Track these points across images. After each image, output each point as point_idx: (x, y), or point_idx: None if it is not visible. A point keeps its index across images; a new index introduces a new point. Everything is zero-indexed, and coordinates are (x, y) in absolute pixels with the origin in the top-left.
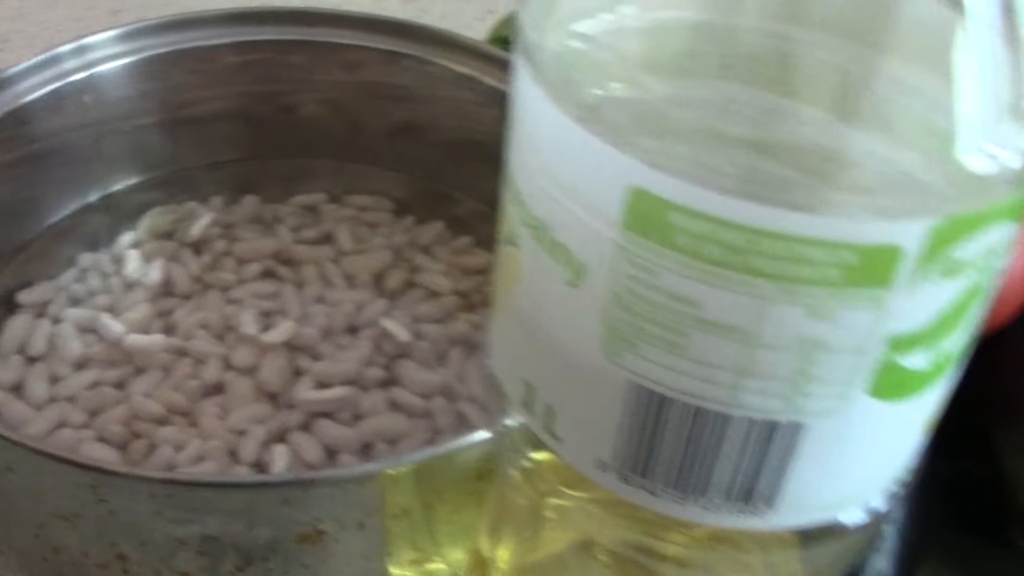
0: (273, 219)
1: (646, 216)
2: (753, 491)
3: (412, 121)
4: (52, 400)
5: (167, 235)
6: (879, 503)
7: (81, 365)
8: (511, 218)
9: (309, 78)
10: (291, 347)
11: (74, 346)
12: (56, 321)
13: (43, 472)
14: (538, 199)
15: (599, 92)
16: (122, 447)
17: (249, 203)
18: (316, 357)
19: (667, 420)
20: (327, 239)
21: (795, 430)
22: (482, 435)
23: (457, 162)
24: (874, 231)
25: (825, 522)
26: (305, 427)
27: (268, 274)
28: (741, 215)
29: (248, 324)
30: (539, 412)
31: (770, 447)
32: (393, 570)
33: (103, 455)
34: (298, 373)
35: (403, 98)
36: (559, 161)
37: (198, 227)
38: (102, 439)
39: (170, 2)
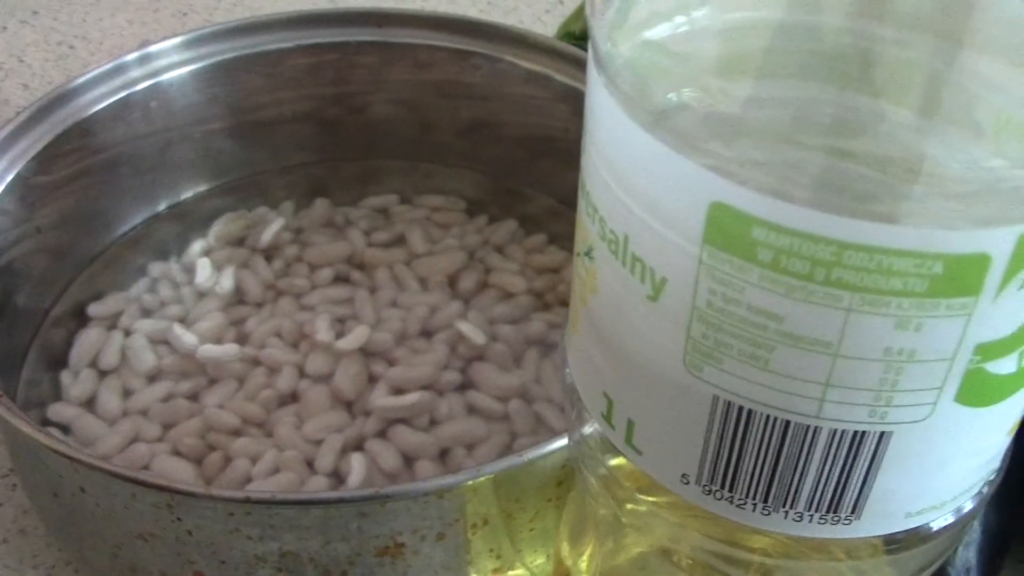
0: (345, 222)
1: (727, 230)
2: (840, 501)
3: (483, 119)
4: (125, 414)
5: (238, 242)
6: (967, 505)
7: (154, 377)
8: (587, 231)
9: (378, 79)
10: (365, 353)
11: (146, 358)
12: (128, 333)
13: (117, 492)
14: (615, 213)
15: (672, 98)
16: (197, 460)
17: (320, 207)
18: (391, 362)
19: (751, 433)
20: (399, 241)
21: (881, 440)
22: (560, 442)
23: (528, 159)
24: (962, 240)
25: (913, 528)
26: (382, 434)
27: (341, 279)
28: (825, 228)
29: (322, 331)
30: (619, 425)
31: (856, 457)
32: None
33: (178, 469)
34: (373, 379)
35: (473, 96)
36: (636, 175)
37: (269, 233)
38: (177, 453)
39: (238, 2)
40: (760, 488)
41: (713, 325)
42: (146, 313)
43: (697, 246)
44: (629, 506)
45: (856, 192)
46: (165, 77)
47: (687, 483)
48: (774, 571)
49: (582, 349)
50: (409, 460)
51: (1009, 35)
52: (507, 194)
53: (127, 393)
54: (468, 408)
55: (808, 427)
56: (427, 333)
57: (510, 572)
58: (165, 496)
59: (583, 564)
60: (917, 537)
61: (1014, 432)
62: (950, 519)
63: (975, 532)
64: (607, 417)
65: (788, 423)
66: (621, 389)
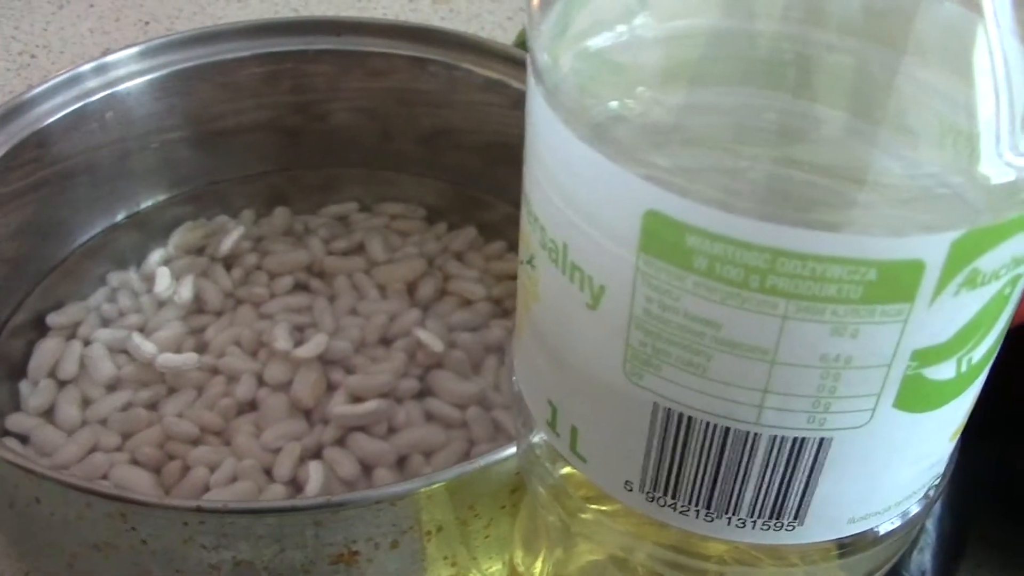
0: (304, 231)
1: (662, 238)
2: (782, 507)
3: (441, 127)
4: (84, 424)
5: (198, 251)
6: (913, 509)
7: (113, 387)
8: (528, 239)
9: (336, 87)
10: (324, 361)
11: (105, 367)
12: (87, 342)
13: (71, 503)
14: (555, 222)
15: (612, 109)
16: (156, 470)
17: (280, 215)
18: (350, 370)
19: (692, 440)
20: (359, 249)
21: (821, 446)
22: (513, 449)
23: (487, 166)
24: (897, 247)
25: (859, 532)
26: (340, 442)
27: (300, 287)
28: (760, 236)
29: (281, 339)
30: (563, 432)
31: (797, 464)
32: None
33: (136, 478)
34: (332, 387)
35: (432, 104)
36: (574, 184)
37: (228, 242)
38: (135, 462)
39: (199, 11)
40: (702, 495)
41: (651, 333)
42: (105, 322)
43: (633, 254)
44: (578, 515)
45: (793, 199)
46: (122, 87)
47: (631, 490)
48: None
49: (526, 356)
50: (367, 468)
51: (944, 40)
52: (466, 201)
53: (86, 403)
54: (426, 416)
55: (748, 434)
56: (386, 341)
57: None
58: (119, 506)
59: (536, 571)
60: (864, 541)
61: (957, 437)
62: (896, 523)
63: (930, 536)
64: (552, 424)
65: (728, 430)
66: (564, 396)
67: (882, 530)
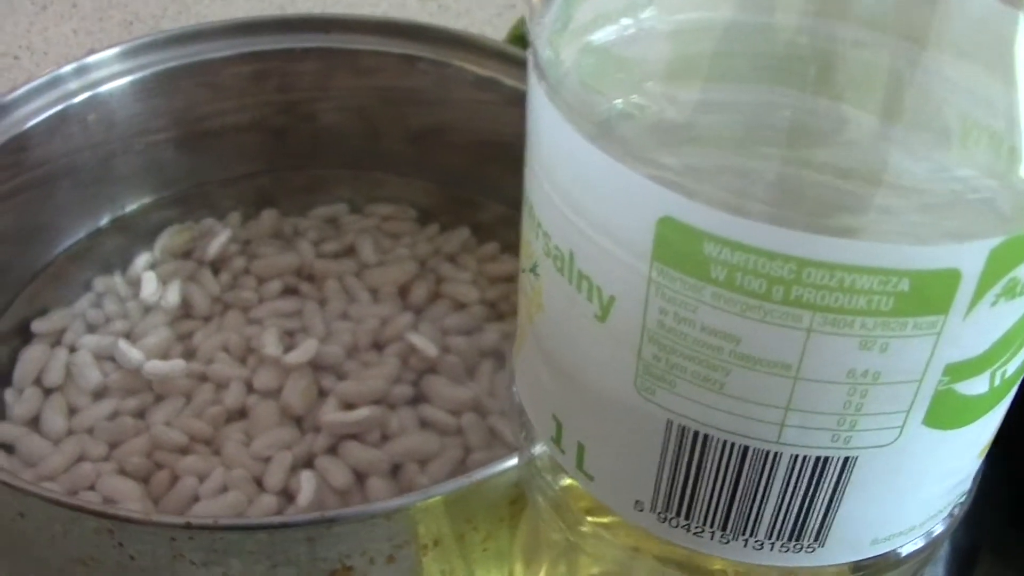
0: (293, 233)
1: (677, 247)
2: (803, 529)
3: (432, 126)
4: (70, 433)
5: (184, 255)
6: (937, 529)
7: (99, 395)
8: (531, 246)
9: (324, 86)
10: (315, 367)
11: (92, 375)
12: (72, 350)
13: (56, 518)
14: (559, 228)
15: (617, 106)
16: (144, 480)
17: (268, 217)
18: (341, 376)
19: (707, 459)
20: (349, 251)
21: (846, 465)
22: (513, 460)
23: (479, 165)
24: (931, 256)
25: (881, 554)
26: (332, 450)
27: (289, 291)
28: (783, 244)
29: (270, 345)
30: (569, 449)
31: (819, 484)
32: None
33: (124, 489)
34: (323, 394)
35: (421, 102)
36: (580, 188)
37: (216, 245)
38: (123, 472)
39: (184, 10)
40: (718, 516)
41: (665, 346)
42: (91, 329)
43: (646, 263)
44: (581, 529)
45: (816, 204)
46: (104, 88)
47: (641, 510)
48: None
49: (529, 368)
50: (360, 477)
51: (975, 35)
52: (458, 202)
53: (72, 411)
54: (420, 422)
55: (768, 453)
56: (378, 346)
57: None
58: (105, 522)
59: None
60: (885, 563)
61: (985, 453)
62: (919, 544)
63: (943, 548)
64: (556, 440)
65: (746, 448)
66: (570, 412)
67: (904, 551)
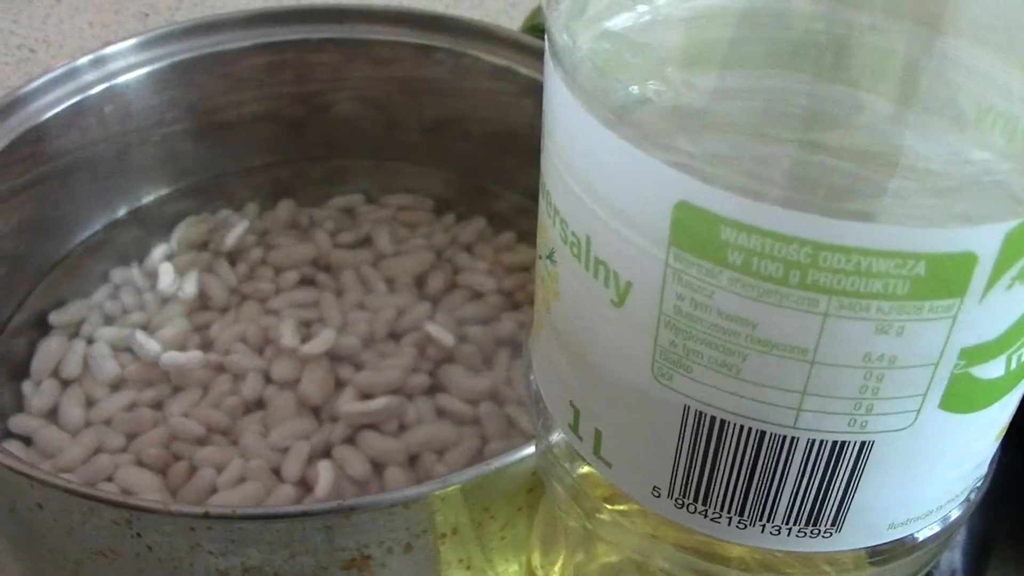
0: (310, 224)
1: (695, 232)
2: (820, 514)
3: (448, 116)
4: (88, 424)
5: (201, 246)
6: (954, 513)
7: (117, 386)
8: (548, 233)
9: (340, 77)
10: (332, 357)
11: (109, 367)
12: (90, 341)
13: (74, 509)
14: (577, 215)
15: (634, 92)
16: (162, 471)
17: (284, 208)
18: (358, 366)
19: (725, 444)
20: (366, 242)
21: (862, 449)
22: (530, 448)
23: (495, 155)
24: (947, 239)
25: (898, 539)
26: (350, 440)
27: (306, 281)
28: (799, 228)
29: (287, 335)
30: (586, 436)
31: (836, 468)
32: None
33: (142, 480)
34: (340, 384)
35: (437, 92)
36: (597, 174)
37: (233, 236)
38: (141, 463)
39: (199, 1)
40: (735, 501)
41: (682, 332)
42: (108, 320)
43: (663, 249)
44: (598, 517)
45: (832, 188)
46: (120, 80)
47: (659, 496)
48: None
49: (546, 356)
50: (378, 467)
51: (992, 19)
52: (475, 192)
53: (90, 403)
54: (438, 412)
55: (785, 437)
56: (395, 336)
57: None
58: (123, 512)
59: (555, 574)
60: (903, 548)
61: (1001, 436)
62: (936, 528)
63: (960, 533)
64: (574, 427)
65: (763, 434)
66: (587, 399)
67: (921, 536)
